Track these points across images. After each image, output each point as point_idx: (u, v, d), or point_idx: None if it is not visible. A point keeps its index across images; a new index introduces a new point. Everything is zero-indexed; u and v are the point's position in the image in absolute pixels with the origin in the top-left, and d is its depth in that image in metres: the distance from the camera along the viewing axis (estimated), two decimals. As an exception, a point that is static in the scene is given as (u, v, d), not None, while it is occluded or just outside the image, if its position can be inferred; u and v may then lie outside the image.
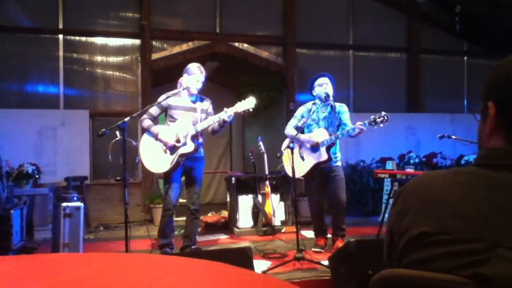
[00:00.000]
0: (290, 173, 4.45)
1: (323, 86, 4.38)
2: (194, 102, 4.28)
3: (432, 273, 0.81)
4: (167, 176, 4.20)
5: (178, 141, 4.10)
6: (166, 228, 4.19)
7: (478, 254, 0.77)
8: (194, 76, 4.20)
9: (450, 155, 7.29)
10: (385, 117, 4.04)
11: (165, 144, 4.11)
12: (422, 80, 8.48)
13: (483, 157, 0.91)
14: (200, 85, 4.24)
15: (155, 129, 4.16)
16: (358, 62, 8.26)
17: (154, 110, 4.22)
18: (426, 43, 8.48)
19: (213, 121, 4.12)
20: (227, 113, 4.05)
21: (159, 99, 4.20)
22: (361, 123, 4.08)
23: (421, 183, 0.94)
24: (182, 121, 4.15)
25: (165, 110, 4.26)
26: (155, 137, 4.14)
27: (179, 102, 4.23)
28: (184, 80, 4.23)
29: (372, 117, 4.09)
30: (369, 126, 4.09)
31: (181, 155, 4.10)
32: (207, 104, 4.35)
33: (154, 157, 4.16)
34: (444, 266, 0.80)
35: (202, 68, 4.27)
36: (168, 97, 4.18)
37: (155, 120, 4.30)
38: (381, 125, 4.06)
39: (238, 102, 4.13)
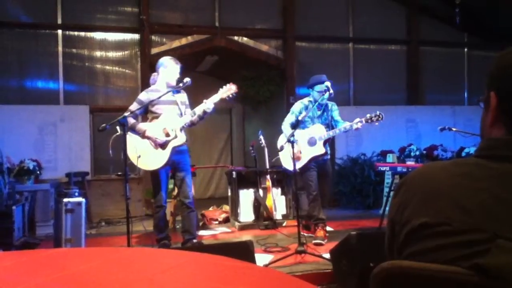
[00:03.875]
0: (287, 167, 4.67)
1: (322, 93, 4.52)
2: (173, 95, 4.23)
3: (432, 265, 0.81)
4: (155, 173, 4.15)
5: (167, 135, 4.09)
6: (160, 222, 4.23)
7: (479, 245, 0.77)
8: (172, 68, 4.19)
9: (451, 148, 7.29)
10: (380, 116, 4.30)
11: (154, 141, 4.07)
12: (422, 72, 8.45)
13: (484, 147, 0.91)
14: (178, 76, 4.23)
15: (142, 126, 4.13)
16: (358, 54, 8.23)
17: (134, 106, 4.12)
18: (426, 35, 8.44)
19: (200, 111, 4.11)
20: (207, 105, 4.08)
21: (139, 97, 4.18)
22: (358, 119, 4.33)
23: (422, 174, 0.94)
24: (167, 115, 4.13)
25: (146, 107, 4.17)
26: (142, 134, 4.08)
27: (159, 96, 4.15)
28: (162, 74, 4.23)
29: (368, 115, 4.33)
30: (366, 123, 4.36)
31: (173, 148, 4.09)
32: (184, 97, 4.35)
33: (146, 155, 4.09)
34: (445, 257, 0.80)
35: (175, 59, 4.28)
36: (147, 92, 4.15)
37: (137, 118, 4.24)
38: (376, 123, 4.33)
39: (220, 89, 4.21)
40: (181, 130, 4.12)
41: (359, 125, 4.33)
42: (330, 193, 4.71)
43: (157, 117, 4.15)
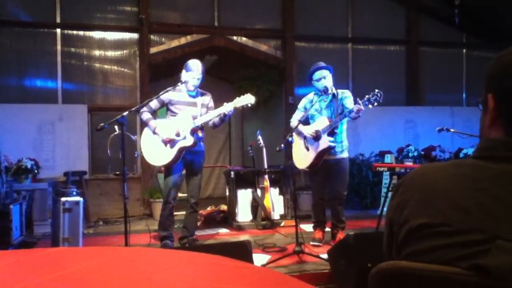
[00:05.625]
0: (298, 165, 4.46)
1: (321, 81, 4.37)
2: (194, 97, 4.32)
3: (431, 265, 0.81)
4: (168, 170, 4.26)
5: (178, 134, 4.13)
6: (166, 221, 4.27)
7: (478, 245, 0.78)
8: (191, 73, 4.22)
9: (449, 148, 7.30)
10: (379, 94, 3.99)
11: (161, 138, 4.15)
12: (421, 72, 8.46)
13: (482, 148, 0.91)
14: (196, 82, 4.25)
15: (154, 123, 4.21)
16: (357, 55, 8.24)
17: (153, 103, 4.24)
18: (425, 35, 8.45)
19: (213, 116, 4.16)
20: (227, 108, 4.09)
21: (160, 94, 4.19)
22: (357, 104, 4.01)
23: (421, 174, 0.94)
24: (182, 115, 4.19)
25: (165, 105, 4.30)
26: (153, 131, 4.18)
27: (180, 97, 4.27)
28: (183, 75, 4.27)
29: (366, 96, 4.04)
30: (365, 107, 4.01)
31: (181, 149, 4.13)
32: (207, 99, 4.40)
33: (155, 150, 4.20)
34: (444, 257, 0.80)
35: (200, 66, 4.27)
36: (167, 91, 4.15)
37: (153, 113, 4.32)
38: (375, 103, 4.00)
39: (237, 98, 4.18)
40: (191, 132, 4.14)
41: (357, 106, 3.96)
42: (341, 192, 4.37)
43: (174, 116, 4.24)
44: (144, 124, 4.31)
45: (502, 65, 0.90)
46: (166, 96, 4.21)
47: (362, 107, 3.99)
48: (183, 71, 4.28)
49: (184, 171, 4.41)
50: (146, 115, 4.22)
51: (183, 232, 4.37)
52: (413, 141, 7.63)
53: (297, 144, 4.37)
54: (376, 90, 4.02)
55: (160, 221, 4.32)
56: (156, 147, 4.19)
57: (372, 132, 7.54)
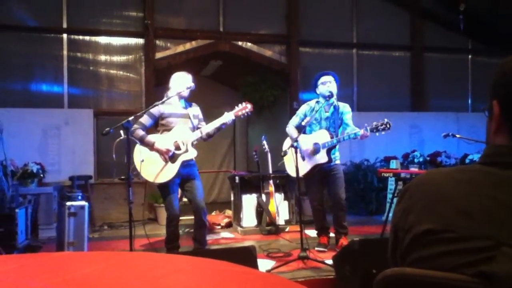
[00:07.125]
0: (291, 173, 4.50)
1: (327, 84, 4.37)
2: (185, 108, 4.20)
3: (436, 272, 0.81)
4: (165, 187, 4.07)
5: (178, 148, 4.03)
6: (172, 236, 4.16)
7: (483, 252, 0.77)
8: (181, 79, 4.16)
9: (455, 154, 7.27)
10: (387, 125, 4.03)
11: (165, 153, 3.99)
12: (426, 78, 8.44)
13: (488, 154, 0.91)
14: (189, 85, 4.12)
15: (151, 138, 4.05)
16: (362, 60, 8.24)
17: (145, 119, 4.09)
18: (430, 41, 8.44)
19: (214, 126, 4.06)
20: (228, 118, 4.04)
21: (151, 110, 4.07)
22: (364, 129, 4.09)
23: (426, 180, 0.94)
24: (179, 128, 4.08)
25: (157, 120, 4.14)
26: (151, 146, 4.01)
27: (172, 109, 4.13)
28: (173, 88, 4.17)
29: (374, 123, 4.08)
30: (371, 133, 4.09)
31: (183, 162, 4.03)
32: (197, 110, 4.29)
33: (154, 168, 4.02)
34: (449, 264, 0.80)
35: (186, 72, 4.22)
36: (157, 105, 4.02)
37: (147, 130, 4.14)
38: (383, 132, 4.06)
39: (236, 107, 4.15)
40: (192, 144, 4.08)
41: (363, 131, 4.08)
42: (341, 197, 4.37)
43: (168, 130, 4.09)
44: (139, 141, 4.06)
45: (505, 72, 0.89)
46: (156, 109, 4.07)
47: (368, 133, 4.07)
48: (172, 83, 4.19)
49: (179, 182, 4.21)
50: (139, 132, 4.02)
51: (195, 245, 4.17)
52: (418, 147, 7.60)
53: (293, 152, 4.34)
54: (386, 120, 4.06)
55: (167, 238, 4.18)
56: (155, 164, 4.02)
57: (377, 137, 7.49)
